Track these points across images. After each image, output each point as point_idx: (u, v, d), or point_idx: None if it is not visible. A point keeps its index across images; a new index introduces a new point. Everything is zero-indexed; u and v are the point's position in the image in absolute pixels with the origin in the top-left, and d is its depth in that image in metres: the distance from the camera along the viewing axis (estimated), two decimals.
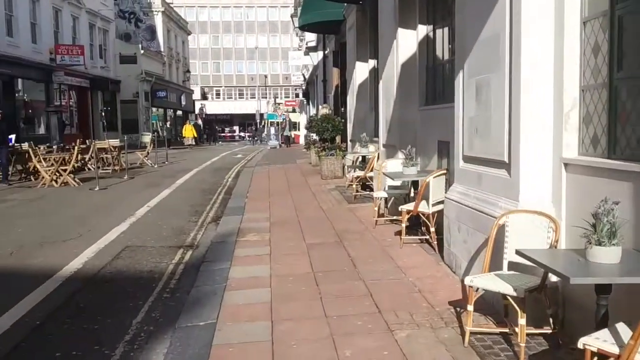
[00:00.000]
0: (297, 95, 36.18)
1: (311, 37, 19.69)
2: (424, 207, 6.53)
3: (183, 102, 50.61)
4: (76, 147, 14.78)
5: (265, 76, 74.19)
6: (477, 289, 3.99)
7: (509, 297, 3.81)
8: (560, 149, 4.24)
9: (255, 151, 32.01)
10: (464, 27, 5.51)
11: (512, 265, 4.19)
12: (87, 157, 18.82)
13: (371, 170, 10.51)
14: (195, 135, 30.68)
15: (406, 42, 8.48)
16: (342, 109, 15.34)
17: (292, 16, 33.04)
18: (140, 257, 7.15)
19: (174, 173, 17.56)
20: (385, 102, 9.49)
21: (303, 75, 29.95)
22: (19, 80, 27.66)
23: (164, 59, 45.91)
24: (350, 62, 13.45)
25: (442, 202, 6.44)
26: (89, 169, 18.73)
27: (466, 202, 5.34)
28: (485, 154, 5.03)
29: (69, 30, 32.14)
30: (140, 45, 39.99)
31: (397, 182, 7.83)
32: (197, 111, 62.30)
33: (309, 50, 18.89)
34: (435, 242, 6.49)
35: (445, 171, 6.68)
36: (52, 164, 14.36)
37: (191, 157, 26.21)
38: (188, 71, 55.13)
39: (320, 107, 16.01)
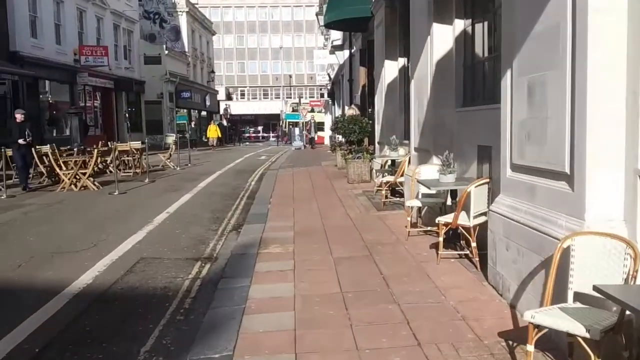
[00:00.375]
0: (322, 96, 35.57)
1: (337, 36, 19.07)
2: (464, 220, 5.90)
3: (207, 103, 50.46)
4: (96, 151, 14.40)
5: (290, 76, 73.91)
6: (538, 326, 3.37)
7: (579, 338, 3.19)
8: (635, 158, 3.60)
9: (279, 152, 31.55)
10: (513, 19, 4.87)
11: (579, 297, 3.56)
12: (108, 159, 18.53)
13: (401, 175, 9.90)
14: (220, 136, 30.30)
15: (441, 38, 7.85)
16: (370, 109, 14.73)
17: (317, 14, 32.45)
18: (154, 271, 6.65)
19: (196, 176, 17.14)
20: (418, 102, 8.87)
21: (328, 74, 29.26)
22: (45, 81, 27.64)
23: (189, 60, 45.78)
24: (379, 61, 12.84)
25: (484, 214, 5.81)
26: (110, 171, 18.42)
27: (516, 217, 4.70)
28: (540, 163, 4.39)
29: (93, 31, 32.08)
30: (164, 46, 39.86)
31: (432, 191, 7.20)
32: (221, 112, 62.16)
33: (335, 49, 18.29)
34: (477, 259, 5.86)
35: (487, 180, 6.05)
36: (72, 168, 14.02)
37: (215, 158, 25.85)
38: (212, 71, 55.00)
39: (346, 108, 15.41)
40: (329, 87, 31.91)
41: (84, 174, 13.95)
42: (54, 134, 26.49)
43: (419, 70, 8.74)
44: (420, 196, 7.70)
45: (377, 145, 13.72)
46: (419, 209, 7.88)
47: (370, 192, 11.84)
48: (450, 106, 7.91)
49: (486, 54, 7.00)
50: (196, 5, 50.41)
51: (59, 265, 7.05)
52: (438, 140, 8.02)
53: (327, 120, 36.47)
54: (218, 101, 60.44)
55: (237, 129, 64.69)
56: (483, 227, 5.72)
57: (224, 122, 63.58)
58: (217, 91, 57.61)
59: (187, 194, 13.23)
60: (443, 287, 5.38)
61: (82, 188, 14.04)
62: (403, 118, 12.03)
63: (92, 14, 31.79)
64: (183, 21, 45.47)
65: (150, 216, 10.21)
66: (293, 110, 61.29)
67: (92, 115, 32.45)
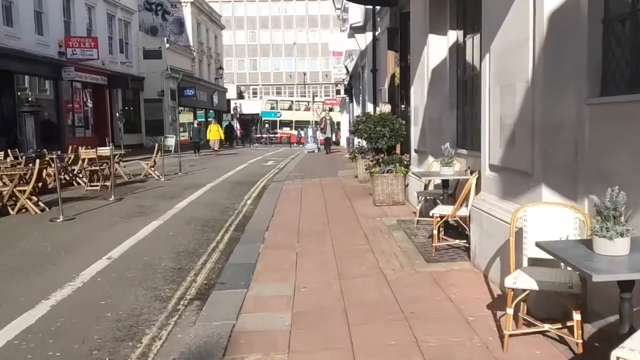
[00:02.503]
0: (337, 92, 31.80)
1: (356, 16, 15.53)
2: None
3: (215, 101, 47.06)
4: (38, 161, 10.90)
5: (304, 73, 70.46)
6: None
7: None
8: None
9: (290, 156, 27.99)
10: None
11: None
12: (76, 169, 15.13)
13: (462, 204, 6.33)
14: (222, 137, 26.73)
15: None
16: (403, 105, 11.14)
17: None
18: None
19: (179, 191, 13.65)
20: (501, 90, 5.27)
21: (345, 67, 25.49)
22: (22, 76, 24.39)
23: (193, 54, 42.44)
24: (418, 39, 9.24)
25: None
26: (78, 183, 15.01)
27: None
28: None
29: (82, 21, 28.81)
30: (165, 39, 36.49)
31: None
32: (231, 111, 58.86)
33: (354, 31, 14.73)
34: None
35: None
36: (5, 184, 10.60)
37: (214, 165, 22.31)
38: (221, 68, 51.60)
39: (380, 104, 11.74)
40: (345, 82, 28.32)
41: (23, 191, 10.48)
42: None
43: (503, 36, 5.15)
44: (526, 263, 4.07)
45: (413, 154, 10.13)
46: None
47: (408, 223, 8.27)
48: (575, 95, 4.34)
49: None
50: None
51: None
52: (550, 154, 4.44)
53: (344, 120, 32.78)
54: (228, 100, 57.09)
55: (248, 129, 61.32)
56: None
57: (235, 122, 60.38)
58: (226, 89, 54.17)
59: (155, 220, 9.74)
60: None
61: (22, 210, 10.59)
62: (455, 116, 8.45)
63: (81, 2, 28.52)
64: (187, 13, 42.12)
65: (81, 266, 6.73)
66: (271, 108, 58.00)
67: (80, 114, 29.19)
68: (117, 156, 16.37)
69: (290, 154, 30.05)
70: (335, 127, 26.15)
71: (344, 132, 31.26)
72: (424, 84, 9.01)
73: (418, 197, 8.06)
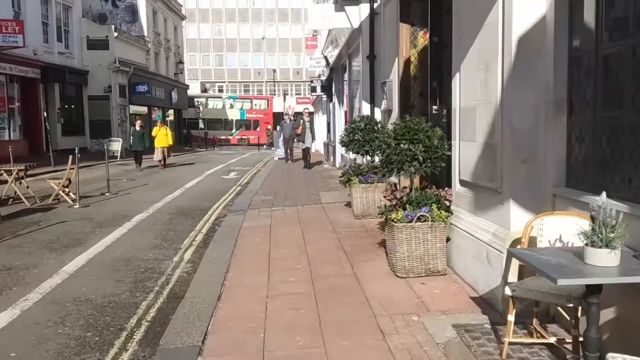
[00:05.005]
0: (313, 90, 27.35)
1: None
2: None
3: (174, 99, 42.29)
4: None
5: (274, 70, 66.12)
6: None
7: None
8: None
9: (257, 164, 23.67)
10: None
11: None
12: None
13: None
14: (171, 143, 21.61)
15: None
16: (435, 107, 6.89)
17: None
18: None
19: (88, 230, 9.23)
20: None
21: (325, 57, 20.82)
22: None
23: (148, 46, 37.66)
24: None
25: None
26: None
27: None
28: None
29: (6, 1, 23.91)
30: (113, 27, 31.70)
31: None
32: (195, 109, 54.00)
33: (345, 2, 10.56)
34: None
35: None
36: None
37: (159, 179, 17.74)
38: (181, 62, 46.82)
39: (381, 106, 7.35)
40: (323, 78, 23.95)
41: None
42: None
43: None
44: None
45: (457, 188, 5.96)
46: None
47: (481, 336, 4.13)
48: None
49: None
50: None
51: None
52: None
53: (320, 122, 28.41)
54: (191, 97, 52.28)
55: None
56: None
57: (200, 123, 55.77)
58: (187, 86, 49.30)
59: (3, 312, 5.38)
60: None
61: None
62: (564, 125, 4.36)
63: None
64: None
65: None
66: (230, 107, 54.13)
67: (4, 113, 24.36)
68: (17, 171, 11.90)
69: (257, 162, 25.71)
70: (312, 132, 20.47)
71: (319, 137, 26.96)
72: (495, 66, 4.85)
73: (510, 292, 3.86)
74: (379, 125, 9.01)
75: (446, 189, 5.90)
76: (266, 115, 57.43)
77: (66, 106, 29.77)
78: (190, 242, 8.30)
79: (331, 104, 20.94)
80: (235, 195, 13.43)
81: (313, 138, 20.61)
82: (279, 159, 24.60)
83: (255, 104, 57.97)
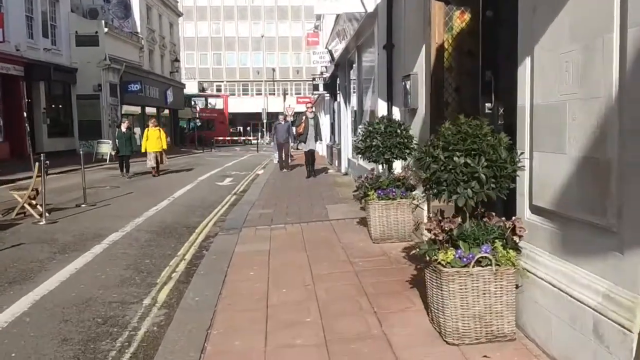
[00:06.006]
0: (315, 88, 25.59)
1: None
2: None
3: (169, 99, 40.62)
4: None
5: (273, 69, 64.42)
6: None
7: None
8: None
9: (255, 169, 22.05)
10: None
11: None
12: None
13: None
14: (165, 147, 19.13)
15: None
16: (489, 105, 5.24)
17: None
18: None
19: (45, 257, 7.55)
20: None
21: (329, 52, 19.08)
22: None
23: (142, 43, 36.00)
24: None
25: None
26: None
27: None
28: None
29: None
30: (103, 22, 30.04)
31: None
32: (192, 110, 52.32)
33: None
34: None
35: None
36: None
37: (146, 187, 16.05)
38: (177, 60, 45.13)
39: (403, 107, 5.77)
40: (327, 75, 22.27)
41: None
42: None
43: None
44: None
45: (526, 215, 4.29)
46: None
47: None
48: None
49: None
50: None
51: None
52: None
53: (323, 122, 26.75)
54: (188, 97, 50.62)
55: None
56: None
57: (197, 123, 54.16)
58: (183, 85, 47.58)
59: None
60: None
61: None
62: None
63: None
64: None
65: None
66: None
67: None
68: None
69: (256, 165, 24.08)
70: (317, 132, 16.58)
71: (326, 140, 25.25)
72: (603, 44, 3.21)
73: None
74: (402, 128, 7.35)
75: (515, 218, 4.23)
76: (220, 115, 56.10)
77: (53, 106, 28.14)
78: (169, 274, 6.65)
79: (335, 103, 19.25)
80: (230, 206, 11.78)
81: (319, 139, 17.18)
82: (277, 161, 22.92)
83: (210, 103, 56.59)
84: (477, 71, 6.37)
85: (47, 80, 26.67)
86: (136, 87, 32.34)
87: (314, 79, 28.09)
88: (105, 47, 29.72)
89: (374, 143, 7.33)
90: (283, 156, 18.66)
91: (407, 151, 7.33)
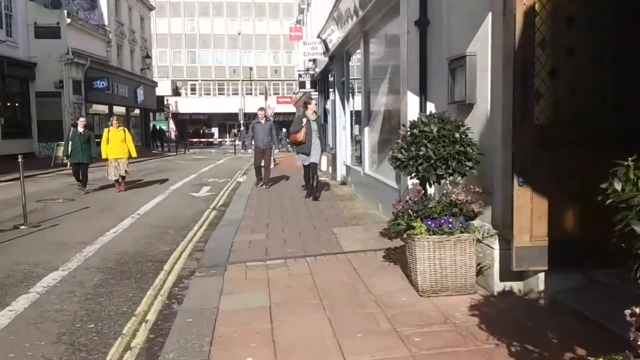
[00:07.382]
0: (301, 85, 23.24)
1: None
2: None
3: (140, 97, 37.92)
4: None
5: (250, 68, 61.91)
6: None
7: None
8: None
9: (236, 174, 19.70)
10: None
11: None
12: None
13: None
14: (134, 154, 14.96)
15: None
16: None
17: None
18: None
19: None
20: None
21: (323, 42, 16.46)
22: None
23: (109, 37, 33.27)
24: None
25: None
26: None
27: None
28: None
29: None
30: (66, 12, 27.35)
31: None
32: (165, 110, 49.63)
33: None
34: None
35: None
36: None
37: (103, 200, 13.57)
38: (148, 56, 42.41)
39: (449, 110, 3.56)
40: (316, 71, 19.90)
41: None
42: None
43: None
44: None
45: None
46: None
47: None
48: None
49: None
50: None
51: None
52: None
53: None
54: (161, 97, 47.95)
55: (184, 132, 52.62)
56: None
57: (171, 124, 51.64)
58: (155, 83, 44.77)
59: None
60: None
61: None
62: None
63: None
64: None
65: None
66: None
67: None
68: None
69: (236, 170, 21.70)
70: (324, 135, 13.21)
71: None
72: None
73: None
74: (462, 131, 5.14)
75: None
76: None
77: (8, 104, 25.40)
78: (119, 355, 4.33)
79: (329, 102, 16.96)
80: (209, 226, 9.46)
81: (324, 148, 12.24)
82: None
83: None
84: (581, 48, 4.27)
85: (1, 75, 23.93)
86: (103, 84, 29.65)
87: (300, 76, 25.75)
88: (68, 40, 27.04)
89: (421, 152, 5.10)
90: (262, 168, 14.19)
91: (469, 164, 5.12)
